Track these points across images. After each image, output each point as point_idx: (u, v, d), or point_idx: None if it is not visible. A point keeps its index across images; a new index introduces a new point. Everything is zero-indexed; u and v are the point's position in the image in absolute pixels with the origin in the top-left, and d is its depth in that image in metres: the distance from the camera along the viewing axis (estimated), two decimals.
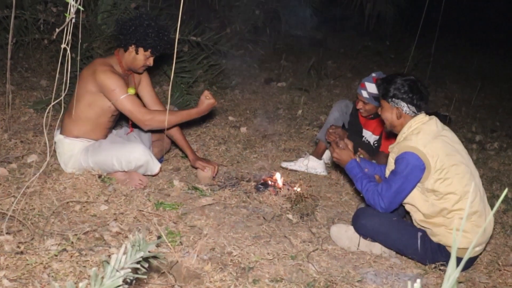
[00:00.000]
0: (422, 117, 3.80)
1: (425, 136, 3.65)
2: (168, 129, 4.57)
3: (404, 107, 3.78)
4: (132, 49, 4.38)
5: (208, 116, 6.56)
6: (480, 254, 4.02)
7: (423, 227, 3.82)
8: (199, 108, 4.48)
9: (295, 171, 5.45)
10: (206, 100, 4.45)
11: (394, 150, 3.78)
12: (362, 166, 4.18)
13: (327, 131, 4.91)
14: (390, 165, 3.84)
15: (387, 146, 4.53)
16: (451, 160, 3.63)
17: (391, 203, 3.73)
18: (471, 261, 3.94)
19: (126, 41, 4.35)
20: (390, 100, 3.82)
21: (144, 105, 4.52)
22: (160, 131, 4.79)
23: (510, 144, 7.65)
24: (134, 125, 4.63)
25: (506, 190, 1.34)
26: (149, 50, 4.37)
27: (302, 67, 9.90)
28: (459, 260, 3.69)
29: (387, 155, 4.08)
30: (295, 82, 8.99)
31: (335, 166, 5.47)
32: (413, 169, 3.61)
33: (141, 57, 4.41)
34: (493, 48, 15.92)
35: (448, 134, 3.80)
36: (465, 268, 3.91)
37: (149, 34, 4.29)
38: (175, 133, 4.82)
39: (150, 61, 4.47)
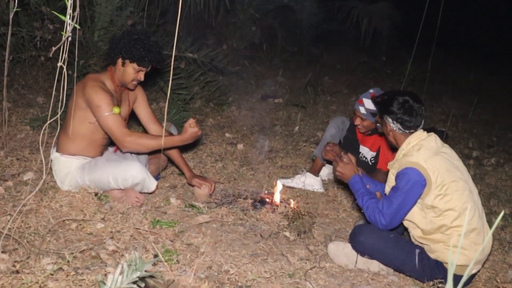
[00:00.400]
0: (420, 133, 3.80)
1: (426, 152, 3.65)
2: (160, 150, 4.52)
3: (391, 123, 3.80)
4: (119, 61, 4.36)
5: (205, 134, 6.57)
6: (478, 271, 4.01)
7: (421, 243, 3.81)
8: (182, 136, 4.38)
9: (292, 188, 5.44)
10: (190, 129, 4.34)
11: (395, 166, 3.78)
12: (365, 182, 4.17)
13: (324, 149, 4.91)
14: (390, 182, 3.83)
15: (385, 163, 4.53)
16: (451, 176, 3.62)
17: (392, 220, 3.72)
18: (470, 279, 3.93)
19: (113, 54, 4.35)
20: (385, 117, 3.83)
21: (126, 127, 4.41)
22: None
23: (507, 159, 7.66)
24: None
25: (503, 212, 1.33)
26: (135, 62, 4.32)
27: (298, 83, 9.93)
28: (457, 277, 3.68)
29: (384, 173, 4.08)
30: (291, 99, 9.00)
31: (334, 182, 5.48)
32: (415, 185, 3.60)
33: (130, 71, 4.37)
34: (489, 63, 16.01)
35: (448, 151, 3.81)
36: (464, 285, 3.89)
37: (135, 46, 4.25)
38: (172, 150, 4.81)
39: (141, 76, 4.42)
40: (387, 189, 3.88)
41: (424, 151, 3.66)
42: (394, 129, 3.81)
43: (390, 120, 3.80)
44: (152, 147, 4.36)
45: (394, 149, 4.18)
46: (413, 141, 3.77)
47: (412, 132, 3.81)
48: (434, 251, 3.72)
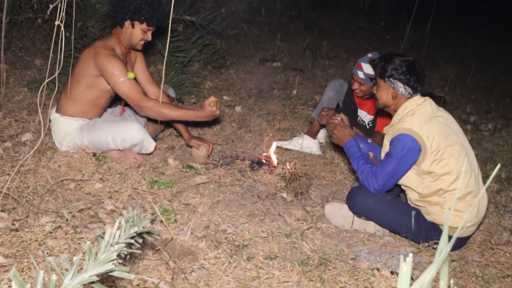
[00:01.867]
0: (417, 98, 3.79)
1: (420, 117, 3.65)
2: (144, 116, 4.52)
3: (401, 87, 3.77)
4: (128, 24, 4.35)
5: (203, 96, 6.57)
6: (473, 233, 4.04)
7: (418, 206, 3.83)
8: (199, 113, 4.40)
9: (290, 150, 5.46)
10: (209, 107, 4.36)
11: (389, 133, 3.78)
12: (358, 142, 4.18)
13: (320, 114, 4.92)
14: (385, 148, 3.84)
15: (382, 126, 4.53)
16: (447, 140, 3.63)
17: (384, 185, 3.74)
18: (464, 241, 3.95)
19: (121, 16, 4.32)
20: (387, 79, 3.81)
21: (144, 91, 4.47)
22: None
23: (504, 125, 7.68)
24: (127, 105, 4.62)
25: (498, 166, 1.34)
26: (145, 23, 4.33)
27: (297, 47, 9.88)
28: (452, 238, 3.71)
29: (382, 135, 4.08)
30: (290, 62, 8.96)
31: (330, 145, 5.48)
32: (409, 151, 3.61)
33: (138, 32, 4.37)
34: (488, 29, 15.91)
35: (443, 115, 3.80)
36: (458, 247, 3.93)
37: (143, 6, 4.25)
38: None
39: (148, 35, 4.44)
40: (383, 155, 3.89)
41: (418, 117, 3.66)
42: (403, 93, 3.79)
43: (400, 84, 3.77)
44: (169, 117, 4.41)
45: (385, 113, 4.17)
46: (409, 106, 3.77)
47: (413, 96, 3.81)
48: (431, 213, 3.75)
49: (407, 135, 3.61)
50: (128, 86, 4.28)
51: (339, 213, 4.08)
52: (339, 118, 4.17)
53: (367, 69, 4.91)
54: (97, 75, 4.31)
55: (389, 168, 3.68)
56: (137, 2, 4.25)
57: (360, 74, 5.00)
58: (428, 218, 3.78)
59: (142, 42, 4.48)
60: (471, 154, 3.83)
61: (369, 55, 5.03)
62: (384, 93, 3.87)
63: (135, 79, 4.51)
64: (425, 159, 3.62)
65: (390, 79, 3.79)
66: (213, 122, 5.83)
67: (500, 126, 7.57)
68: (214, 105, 4.36)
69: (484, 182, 4.02)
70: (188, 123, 4.97)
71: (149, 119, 4.94)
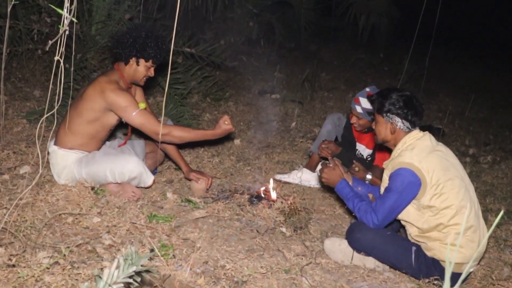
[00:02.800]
0: (416, 133, 3.80)
1: (420, 151, 3.65)
2: (162, 142, 4.55)
3: (399, 122, 3.78)
4: (133, 61, 4.41)
5: (201, 128, 6.57)
6: (474, 270, 4.01)
7: (418, 241, 3.81)
8: (216, 131, 4.53)
9: (289, 183, 5.45)
10: (224, 125, 4.49)
11: (389, 167, 3.77)
12: (355, 185, 4.18)
13: (320, 146, 4.92)
14: (385, 182, 3.83)
15: (381, 160, 4.53)
16: (447, 174, 3.62)
17: (384, 219, 3.72)
18: (465, 276, 3.92)
19: (126, 54, 4.37)
20: (384, 115, 3.82)
21: (156, 119, 4.48)
22: (154, 142, 4.80)
23: (503, 157, 7.67)
24: (135, 131, 4.64)
25: (502, 212, 1.33)
26: (150, 61, 4.40)
27: (296, 79, 9.91)
28: (454, 275, 3.67)
29: (382, 169, 4.07)
30: (289, 94, 8.98)
31: (321, 187, 5.45)
32: (409, 185, 3.60)
33: (142, 69, 4.43)
34: (486, 60, 16.02)
35: (443, 149, 3.80)
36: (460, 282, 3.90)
37: (149, 44, 4.31)
38: (169, 145, 4.82)
39: (152, 72, 4.50)
40: (382, 190, 3.87)
41: (418, 151, 3.66)
42: (401, 127, 3.80)
43: (398, 119, 3.78)
44: (188, 139, 4.56)
45: (385, 148, 4.17)
46: (408, 141, 3.77)
47: (411, 131, 3.81)
48: (431, 249, 3.72)
49: (407, 169, 3.60)
50: (143, 117, 4.33)
51: (338, 248, 4.06)
52: (331, 165, 4.16)
53: (365, 103, 4.91)
54: (105, 110, 4.32)
55: (389, 202, 3.67)
56: (143, 40, 4.30)
57: (358, 109, 5.00)
58: (429, 254, 3.76)
59: (145, 78, 4.53)
60: (471, 188, 3.82)
61: (367, 89, 5.03)
62: (383, 128, 3.87)
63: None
64: (425, 193, 3.61)
65: (388, 114, 3.80)
66: (212, 155, 5.83)
67: (499, 159, 7.56)
68: (228, 123, 4.49)
69: (483, 215, 4.00)
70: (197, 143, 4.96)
71: (148, 151, 4.94)
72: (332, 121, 5.56)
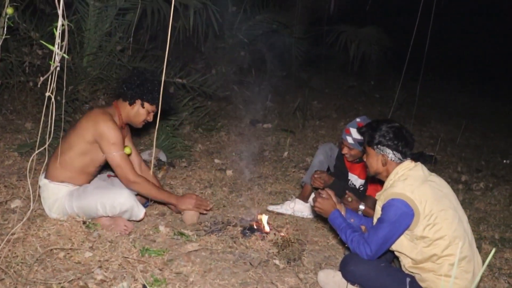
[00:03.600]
0: (408, 163, 3.80)
1: (412, 182, 3.64)
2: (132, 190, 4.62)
3: (390, 154, 3.78)
4: (138, 103, 4.48)
5: (194, 159, 6.56)
6: None
7: (412, 272, 3.79)
8: (179, 201, 4.74)
9: (282, 214, 5.43)
10: (189, 205, 4.77)
11: (381, 198, 3.76)
12: (348, 216, 4.16)
13: (312, 176, 4.91)
14: (378, 213, 3.81)
15: (374, 190, 4.52)
16: (440, 205, 3.61)
17: (377, 251, 3.70)
18: None
19: (133, 95, 4.45)
20: (375, 147, 3.82)
21: (133, 168, 4.56)
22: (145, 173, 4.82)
23: (496, 184, 7.68)
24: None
25: (493, 251, 1.32)
26: (155, 105, 4.49)
27: (287, 107, 9.95)
28: None
29: (374, 200, 4.06)
30: (281, 123, 9.01)
31: (314, 217, 5.43)
32: (401, 216, 3.59)
33: (144, 112, 4.53)
34: (477, 87, 16.12)
35: (435, 179, 3.80)
36: None
37: (156, 89, 4.40)
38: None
39: (151, 116, 4.61)
40: (375, 220, 3.86)
41: (410, 181, 3.66)
42: (392, 159, 3.80)
43: (388, 151, 3.78)
44: (153, 197, 4.66)
45: (378, 180, 4.17)
46: (400, 171, 3.77)
47: (403, 161, 3.81)
48: (425, 280, 3.70)
49: (399, 199, 3.59)
50: (123, 161, 4.40)
51: (332, 280, 4.03)
52: (324, 195, 4.14)
53: (356, 134, 4.92)
54: (93, 141, 4.33)
55: (382, 233, 3.65)
56: (151, 84, 4.43)
57: (349, 139, 5.01)
58: (423, 285, 3.73)
59: (143, 122, 4.61)
60: (464, 219, 3.81)
61: (358, 119, 5.05)
62: (374, 161, 3.88)
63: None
64: (418, 224, 3.60)
65: (379, 146, 3.80)
66: (204, 186, 5.82)
67: (492, 185, 7.57)
68: (192, 206, 4.79)
69: (476, 243, 3.99)
70: None
71: None
72: (324, 152, 5.57)
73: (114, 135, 4.30)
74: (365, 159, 4.00)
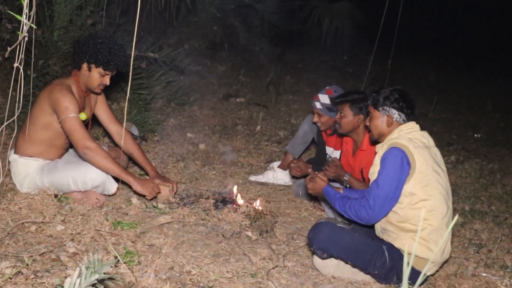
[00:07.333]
0: (414, 124, 3.83)
1: (416, 141, 3.68)
2: (121, 148, 4.50)
3: (395, 114, 3.80)
4: (85, 66, 4.35)
5: (166, 134, 6.54)
6: (434, 274, 4.01)
7: (388, 230, 3.76)
8: (136, 183, 4.43)
9: (264, 183, 5.48)
10: (145, 191, 4.47)
11: (383, 147, 3.73)
12: (349, 195, 4.13)
13: (289, 165, 4.97)
14: (376, 167, 3.79)
15: (346, 165, 4.56)
16: (434, 173, 3.64)
17: (381, 208, 3.64)
18: (425, 277, 3.93)
19: (78, 58, 4.34)
20: (380, 108, 3.84)
21: (89, 134, 4.38)
22: (117, 146, 4.78)
23: (466, 157, 7.76)
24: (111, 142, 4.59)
25: (456, 216, 1.35)
26: (101, 67, 4.33)
27: (260, 82, 9.94)
28: (415, 272, 3.68)
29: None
30: (253, 98, 9.01)
31: (309, 197, 5.41)
32: (402, 163, 3.58)
33: (95, 75, 4.37)
34: (449, 62, 16.20)
35: (438, 154, 3.84)
36: (420, 283, 3.90)
37: (101, 50, 4.27)
38: (134, 150, 4.79)
39: (106, 80, 4.43)
40: (373, 176, 3.83)
41: (415, 141, 3.68)
42: (397, 119, 3.83)
43: (394, 111, 3.82)
44: (104, 168, 4.34)
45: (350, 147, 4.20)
46: (405, 129, 3.79)
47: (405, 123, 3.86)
48: (401, 239, 3.67)
49: (400, 149, 3.60)
50: (75, 124, 4.25)
51: (330, 263, 3.96)
52: (312, 177, 4.16)
53: (324, 99, 4.99)
54: (52, 112, 4.28)
55: (386, 187, 3.59)
56: (95, 46, 4.26)
57: (318, 105, 5.05)
58: (396, 244, 3.70)
59: (101, 87, 4.47)
60: (449, 199, 3.80)
61: (327, 87, 5.10)
62: (379, 122, 3.88)
63: (87, 121, 4.48)
64: (411, 178, 3.59)
65: (384, 107, 3.83)
66: (177, 160, 5.81)
67: (463, 158, 7.65)
68: (155, 192, 4.55)
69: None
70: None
71: (111, 155, 4.89)
72: (309, 122, 5.60)
73: (67, 99, 4.20)
74: (368, 123, 4.01)
